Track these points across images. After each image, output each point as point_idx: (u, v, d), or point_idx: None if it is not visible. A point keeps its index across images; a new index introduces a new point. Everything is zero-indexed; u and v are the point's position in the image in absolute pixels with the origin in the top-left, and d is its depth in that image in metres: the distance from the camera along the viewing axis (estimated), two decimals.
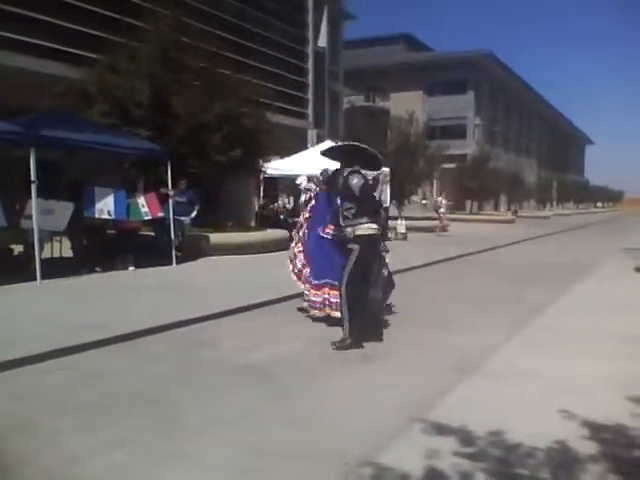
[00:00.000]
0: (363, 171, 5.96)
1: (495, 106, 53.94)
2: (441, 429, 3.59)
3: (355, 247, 5.75)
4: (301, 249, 6.83)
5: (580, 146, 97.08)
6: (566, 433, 3.55)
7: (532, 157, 66.57)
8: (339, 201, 6.00)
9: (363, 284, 5.81)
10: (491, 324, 6.93)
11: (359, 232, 5.75)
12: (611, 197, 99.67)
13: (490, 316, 7.44)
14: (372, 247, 5.86)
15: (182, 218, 11.58)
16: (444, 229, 23.63)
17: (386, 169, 18.97)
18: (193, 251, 11.92)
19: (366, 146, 6.25)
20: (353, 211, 5.77)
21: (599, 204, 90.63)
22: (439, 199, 24.80)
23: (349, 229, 5.78)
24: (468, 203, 42.84)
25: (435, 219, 24.35)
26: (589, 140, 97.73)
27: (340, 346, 5.59)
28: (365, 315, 5.79)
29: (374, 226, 5.82)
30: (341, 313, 5.86)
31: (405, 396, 4.36)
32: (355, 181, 5.76)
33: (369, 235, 5.78)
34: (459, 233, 22.93)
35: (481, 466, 3.12)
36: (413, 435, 3.56)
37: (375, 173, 7.00)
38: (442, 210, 23.93)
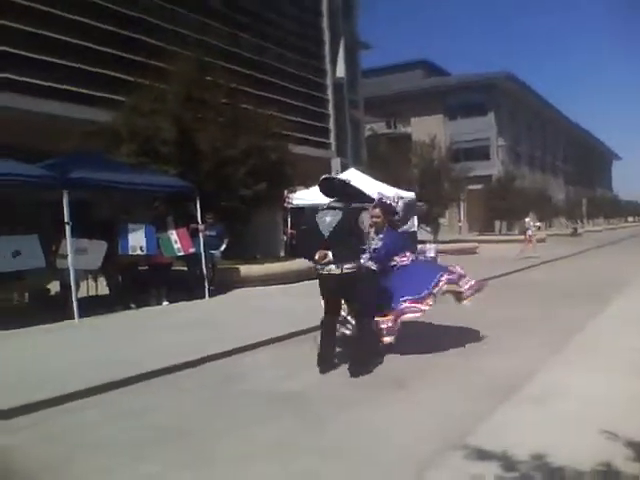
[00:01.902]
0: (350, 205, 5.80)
1: (517, 125, 53.72)
2: (483, 455, 3.54)
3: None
4: None
5: (607, 161, 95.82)
6: (611, 454, 3.48)
7: (558, 174, 65.88)
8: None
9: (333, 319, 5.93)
10: (528, 344, 6.83)
11: (321, 272, 5.74)
12: None
13: (526, 336, 7.32)
14: (334, 287, 5.72)
15: (213, 252, 11.78)
16: (526, 252, 21.21)
17: (410, 193, 19.02)
18: (224, 284, 12.05)
19: (344, 180, 6.11)
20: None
21: (630, 218, 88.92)
22: (527, 220, 23.19)
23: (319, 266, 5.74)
24: (497, 224, 42.47)
25: (521, 241, 22.60)
26: (616, 155, 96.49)
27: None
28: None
29: (330, 267, 5.61)
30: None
31: (443, 422, 4.31)
32: (328, 219, 5.64)
33: (323, 275, 5.72)
34: (487, 255, 22.65)
35: None
36: (454, 462, 3.51)
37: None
38: (530, 232, 22.18)
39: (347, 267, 5.61)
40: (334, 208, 5.71)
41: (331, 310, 5.91)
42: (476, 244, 25.89)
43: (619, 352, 6.18)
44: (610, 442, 3.68)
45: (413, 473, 3.38)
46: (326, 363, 5.79)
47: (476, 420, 4.21)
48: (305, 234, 6.06)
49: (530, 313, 9.16)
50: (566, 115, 64.40)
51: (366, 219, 6.27)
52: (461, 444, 3.73)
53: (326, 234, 5.61)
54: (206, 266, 11.28)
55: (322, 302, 6.12)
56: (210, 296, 11.10)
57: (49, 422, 4.60)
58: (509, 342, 7.05)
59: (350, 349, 6.08)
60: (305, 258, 6.21)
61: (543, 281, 14.05)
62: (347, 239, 5.63)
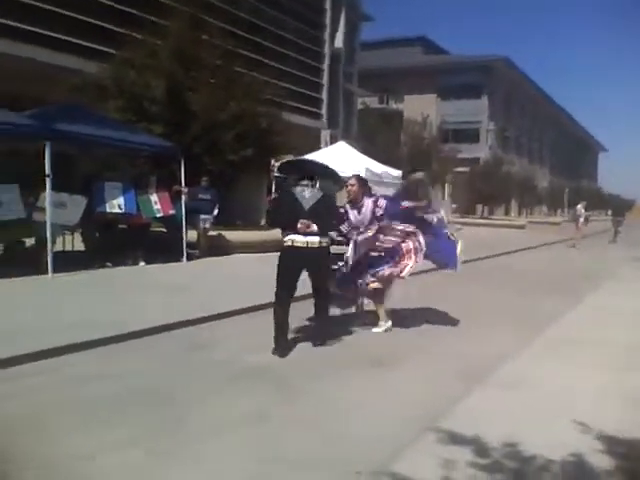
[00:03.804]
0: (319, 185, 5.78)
1: (509, 111, 53.70)
2: (455, 439, 3.53)
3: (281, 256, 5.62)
4: None
5: (593, 153, 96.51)
6: (581, 446, 3.50)
7: (545, 163, 66.25)
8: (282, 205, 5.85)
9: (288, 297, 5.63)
10: (504, 333, 6.83)
11: (288, 242, 5.54)
12: (623, 205, 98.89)
13: (503, 325, 7.33)
14: (306, 260, 5.56)
15: (206, 216, 11.76)
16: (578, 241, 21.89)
17: (398, 172, 18.91)
18: (208, 249, 11.99)
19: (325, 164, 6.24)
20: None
21: (610, 211, 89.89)
22: (579, 207, 23.05)
23: (287, 237, 5.56)
24: (479, 207, 42.70)
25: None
26: (602, 147, 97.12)
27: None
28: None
29: (311, 239, 5.47)
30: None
31: (417, 403, 4.29)
32: (306, 194, 5.56)
33: (297, 247, 5.48)
34: (470, 237, 22.67)
35: (497, 478, 3.06)
36: (427, 444, 3.50)
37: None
38: (582, 220, 22.35)
39: (325, 241, 5.59)
40: (312, 186, 5.65)
41: (287, 287, 5.59)
42: (459, 226, 25.96)
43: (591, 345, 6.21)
44: (580, 433, 3.69)
45: (385, 453, 3.35)
46: (282, 346, 5.53)
47: (449, 403, 4.20)
48: (282, 203, 5.89)
49: (510, 298, 9.20)
50: (557, 104, 64.45)
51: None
52: (434, 427, 3.72)
53: (306, 208, 5.52)
54: (197, 228, 11.47)
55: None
56: (188, 260, 10.98)
57: (20, 380, 4.48)
58: (486, 327, 7.06)
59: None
60: (279, 226, 5.99)
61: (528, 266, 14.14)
62: (327, 217, 5.65)
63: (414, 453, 3.39)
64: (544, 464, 3.25)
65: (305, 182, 5.67)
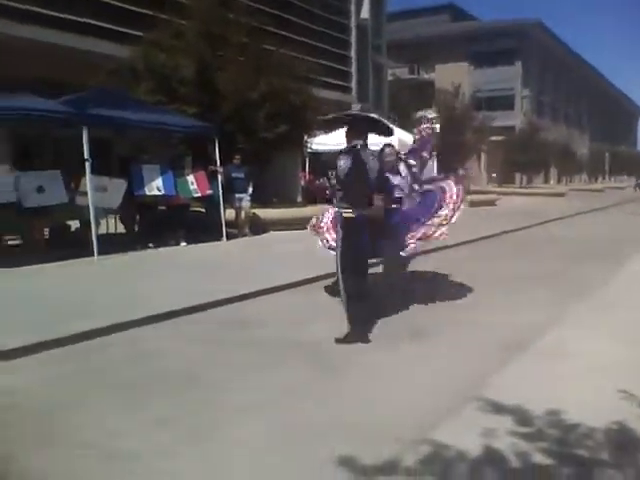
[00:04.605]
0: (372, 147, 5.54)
1: (544, 76, 52.25)
2: (496, 408, 3.56)
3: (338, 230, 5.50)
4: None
5: (633, 117, 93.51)
6: (625, 414, 3.47)
7: (583, 129, 64.44)
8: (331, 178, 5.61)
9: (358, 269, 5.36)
10: (544, 301, 6.78)
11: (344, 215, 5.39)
12: None
13: (543, 292, 7.27)
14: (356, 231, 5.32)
15: (241, 195, 11.88)
16: None
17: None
18: (246, 227, 12.15)
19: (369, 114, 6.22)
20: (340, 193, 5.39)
21: None
22: None
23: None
24: (517, 176, 41.95)
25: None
26: None
27: (343, 340, 5.14)
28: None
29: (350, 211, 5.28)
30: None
31: (457, 373, 4.33)
32: (342, 163, 5.32)
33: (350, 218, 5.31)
34: (509, 206, 22.45)
35: (539, 446, 3.08)
36: (468, 413, 3.54)
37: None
38: None
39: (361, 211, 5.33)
40: (348, 152, 5.39)
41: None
42: (496, 196, 25.66)
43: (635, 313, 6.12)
44: (625, 402, 3.67)
45: (426, 422, 3.40)
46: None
47: (491, 373, 4.22)
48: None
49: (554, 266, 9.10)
50: (594, 67, 62.45)
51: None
52: (476, 396, 3.75)
53: (342, 177, 5.36)
54: (235, 208, 11.75)
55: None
56: (227, 239, 11.14)
57: (64, 360, 4.63)
58: (526, 295, 7.02)
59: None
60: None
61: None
62: (358, 184, 5.33)
63: (455, 422, 3.44)
64: (587, 432, 3.26)
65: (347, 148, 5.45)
